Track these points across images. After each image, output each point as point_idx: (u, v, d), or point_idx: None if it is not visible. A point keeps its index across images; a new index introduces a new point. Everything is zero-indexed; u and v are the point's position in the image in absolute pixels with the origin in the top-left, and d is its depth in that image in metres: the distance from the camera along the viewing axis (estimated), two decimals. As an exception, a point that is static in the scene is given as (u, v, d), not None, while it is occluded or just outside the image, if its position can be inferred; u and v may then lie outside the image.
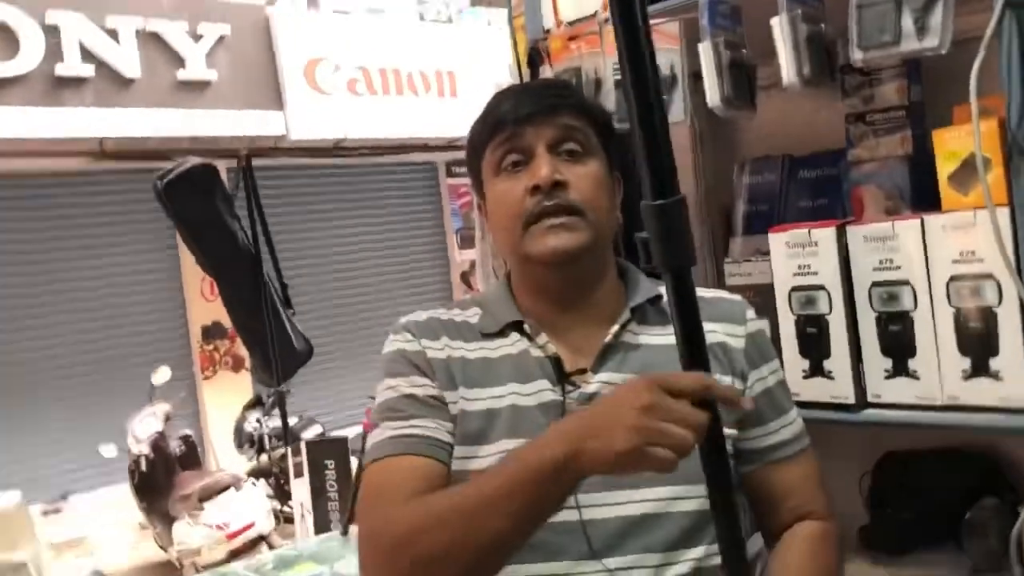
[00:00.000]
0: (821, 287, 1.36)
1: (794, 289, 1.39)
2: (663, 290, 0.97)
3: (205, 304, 7.14)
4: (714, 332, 1.19)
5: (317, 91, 7.16)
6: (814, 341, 1.37)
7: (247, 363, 6.44)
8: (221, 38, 6.76)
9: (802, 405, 1.30)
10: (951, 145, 1.24)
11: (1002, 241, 1.17)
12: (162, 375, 5.57)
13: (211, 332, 7.35)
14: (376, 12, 7.91)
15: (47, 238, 6.68)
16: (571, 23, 1.62)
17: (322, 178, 8.03)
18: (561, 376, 1.16)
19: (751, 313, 1.26)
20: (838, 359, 1.35)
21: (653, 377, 0.92)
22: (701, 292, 0.96)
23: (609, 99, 1.55)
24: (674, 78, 1.49)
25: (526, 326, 1.20)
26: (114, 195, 6.91)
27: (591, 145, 1.19)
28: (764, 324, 1.30)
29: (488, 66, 6.67)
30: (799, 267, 1.37)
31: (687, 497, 1.11)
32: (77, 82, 6.15)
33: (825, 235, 1.35)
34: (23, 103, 5.93)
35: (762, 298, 1.41)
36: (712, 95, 1.38)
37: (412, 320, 1.23)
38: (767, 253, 1.43)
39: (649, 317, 1.22)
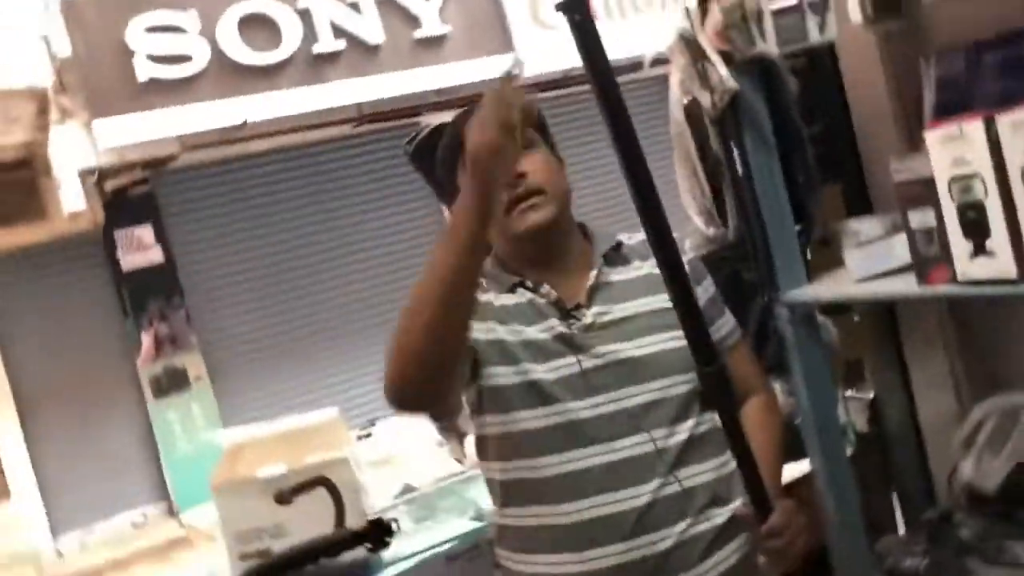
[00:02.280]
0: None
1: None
2: (621, 237, 1.50)
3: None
4: None
5: (543, 27, 7.41)
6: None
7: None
8: (448, -7, 7.17)
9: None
10: None
11: None
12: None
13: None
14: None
15: (331, 197, 7.48)
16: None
17: (553, 109, 8.31)
18: (564, 313, 1.50)
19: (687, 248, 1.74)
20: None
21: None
22: None
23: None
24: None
25: (527, 282, 1.53)
26: (376, 155, 7.59)
27: (534, 138, 1.50)
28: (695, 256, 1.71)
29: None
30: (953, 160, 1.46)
31: (678, 383, 1.48)
32: (332, 57, 6.82)
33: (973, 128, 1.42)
34: (289, 85, 6.65)
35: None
36: (854, 14, 1.51)
37: None
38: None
39: (614, 261, 1.58)
